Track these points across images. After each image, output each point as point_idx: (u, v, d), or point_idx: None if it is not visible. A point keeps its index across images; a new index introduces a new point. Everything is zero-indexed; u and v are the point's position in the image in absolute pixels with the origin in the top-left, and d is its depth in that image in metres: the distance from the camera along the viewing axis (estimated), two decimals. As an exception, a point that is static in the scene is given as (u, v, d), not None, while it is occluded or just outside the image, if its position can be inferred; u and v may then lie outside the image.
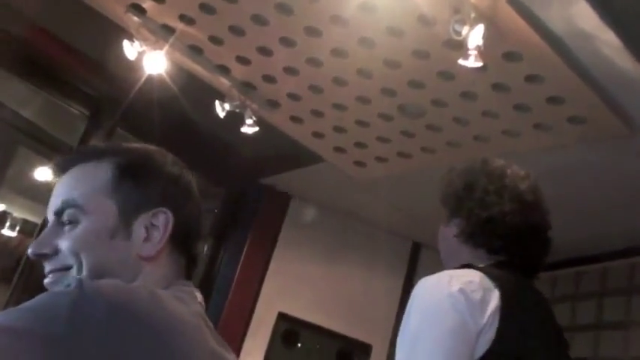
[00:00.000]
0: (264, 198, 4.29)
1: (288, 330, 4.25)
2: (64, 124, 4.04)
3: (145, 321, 0.88)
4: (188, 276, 1.14)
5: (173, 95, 3.21)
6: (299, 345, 4.31)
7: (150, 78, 3.05)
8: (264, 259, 4.23)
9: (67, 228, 1.07)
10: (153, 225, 1.08)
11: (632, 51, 2.30)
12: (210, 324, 1.05)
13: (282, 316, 4.20)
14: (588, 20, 2.24)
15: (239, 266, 4.17)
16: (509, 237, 1.68)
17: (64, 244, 1.06)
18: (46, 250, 1.06)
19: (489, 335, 1.49)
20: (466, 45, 2.24)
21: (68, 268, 1.05)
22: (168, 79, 3.05)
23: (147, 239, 1.07)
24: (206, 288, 4.18)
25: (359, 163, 3.56)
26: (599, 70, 2.46)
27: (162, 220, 1.08)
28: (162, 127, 3.54)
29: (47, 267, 1.07)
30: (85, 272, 1.04)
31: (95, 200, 1.07)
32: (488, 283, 1.55)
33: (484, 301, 1.51)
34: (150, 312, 0.90)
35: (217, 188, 4.46)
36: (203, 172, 4.23)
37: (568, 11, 2.24)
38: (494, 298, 1.52)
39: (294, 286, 4.25)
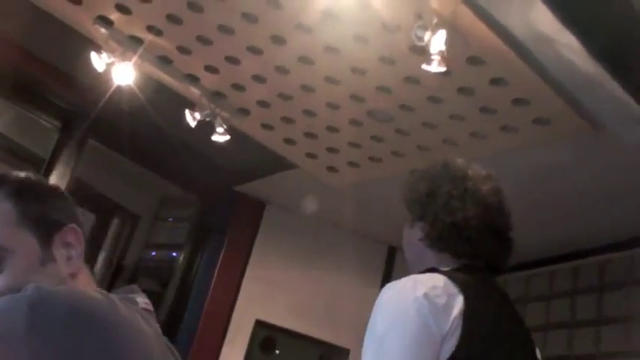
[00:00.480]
0: (239, 205, 4.30)
1: (266, 337, 4.26)
2: (35, 136, 4.03)
3: (102, 323, 0.91)
4: None
5: (143, 105, 3.22)
6: (277, 352, 4.32)
7: (119, 89, 3.06)
8: (240, 266, 4.23)
9: None
10: (68, 244, 1.08)
11: (591, 52, 2.35)
12: (159, 329, 1.06)
13: (259, 323, 4.21)
14: (548, 24, 2.28)
15: (215, 274, 4.17)
16: (474, 241, 1.69)
17: None
18: None
19: (453, 340, 1.50)
20: (429, 50, 2.28)
21: None
22: (137, 90, 3.06)
23: (69, 258, 1.07)
24: (182, 296, 4.19)
25: (331, 169, 3.59)
26: (560, 71, 2.50)
27: (73, 235, 1.08)
28: (134, 138, 3.55)
29: None
30: None
31: (12, 234, 1.04)
32: (452, 287, 1.57)
33: (448, 306, 1.52)
34: (106, 315, 0.92)
35: (191, 196, 4.46)
36: (177, 181, 4.25)
37: (528, 15, 2.29)
38: (458, 303, 1.54)
39: (270, 292, 4.26)
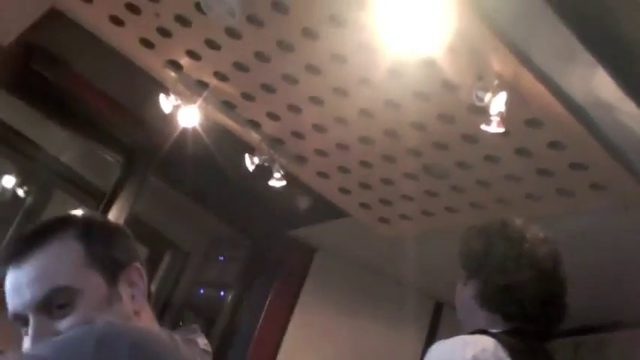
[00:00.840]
0: (290, 250, 4.34)
1: (308, 384, 4.25)
2: (99, 170, 4.18)
3: None
4: None
5: (205, 147, 3.31)
6: (319, 399, 4.29)
7: (184, 130, 3.16)
8: (286, 311, 4.25)
9: (58, 313, 1.04)
10: (132, 282, 1.11)
11: (652, 122, 2.34)
12: None
13: (302, 370, 4.21)
14: (609, 91, 2.29)
15: (261, 318, 4.20)
16: (526, 305, 1.68)
17: (64, 327, 1.03)
18: None
19: None
20: (489, 111, 2.31)
21: None
22: (201, 132, 3.16)
23: (133, 296, 1.10)
24: (228, 336, 4.22)
25: (383, 220, 3.61)
26: (620, 138, 2.50)
27: (137, 274, 1.12)
28: (194, 178, 3.65)
29: None
30: None
31: (81, 276, 1.06)
32: (501, 352, 1.56)
33: None
34: (168, 355, 0.96)
35: (244, 239, 4.53)
36: (231, 223, 4.33)
37: (589, 81, 2.30)
38: None
39: (316, 339, 4.26)
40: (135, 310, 1.10)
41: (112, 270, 1.10)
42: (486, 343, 1.57)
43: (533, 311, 1.68)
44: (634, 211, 2.86)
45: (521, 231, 1.78)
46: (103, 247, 1.11)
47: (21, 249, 1.07)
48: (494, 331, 1.64)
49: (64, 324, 1.03)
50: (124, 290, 1.10)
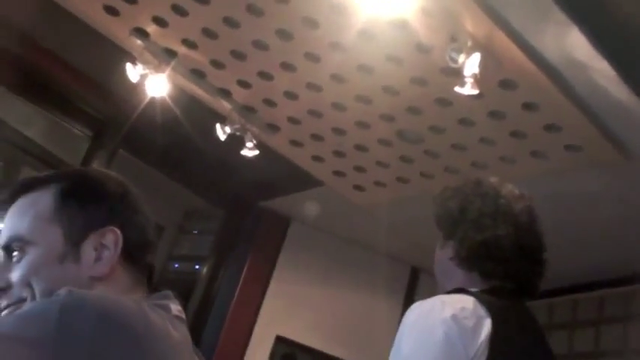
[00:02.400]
0: (264, 221, 4.31)
1: (286, 353, 4.24)
2: (66, 145, 4.08)
3: (131, 331, 0.91)
4: (149, 286, 1.15)
5: (175, 117, 3.25)
6: (297, 368, 4.30)
7: (152, 100, 3.09)
8: (263, 281, 4.23)
9: (15, 260, 1.07)
10: (102, 245, 1.07)
11: (625, 80, 2.34)
12: (189, 336, 1.07)
13: (280, 340, 4.20)
14: (582, 50, 2.28)
15: (238, 288, 4.18)
16: (504, 260, 1.66)
17: (14, 276, 1.05)
18: (0, 285, 1.06)
19: None
20: (462, 72, 2.28)
21: (23, 300, 1.05)
22: (170, 102, 3.09)
23: (98, 259, 1.07)
24: (204, 309, 4.19)
25: (358, 188, 3.59)
26: (593, 98, 2.49)
27: (112, 238, 1.08)
28: (164, 149, 3.59)
29: (3, 302, 1.06)
30: (38, 294, 1.04)
31: (39, 228, 1.07)
32: (481, 310, 1.54)
33: (476, 329, 1.50)
34: (136, 324, 0.93)
35: (217, 210, 4.48)
36: (203, 194, 4.27)
37: (563, 41, 2.28)
38: (486, 327, 1.51)
39: (292, 308, 4.25)
40: (95, 275, 1.06)
41: (79, 229, 1.07)
42: (465, 301, 1.55)
43: (512, 267, 1.67)
44: (607, 172, 2.87)
45: (496, 188, 1.77)
46: (77, 204, 1.09)
47: (11, 194, 1.12)
48: (473, 290, 1.62)
49: (15, 271, 1.06)
50: (87, 251, 1.06)
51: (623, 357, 3.50)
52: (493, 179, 1.80)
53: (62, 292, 0.92)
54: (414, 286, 4.44)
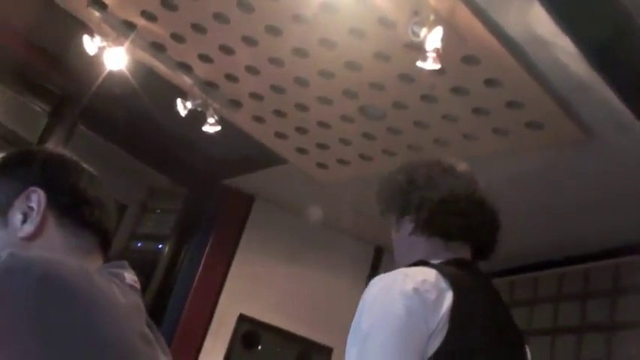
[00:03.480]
0: (227, 199, 4.27)
1: (249, 332, 4.23)
2: (24, 120, 3.99)
3: (74, 293, 0.90)
4: (105, 253, 1.15)
5: (135, 92, 3.19)
6: (259, 347, 4.30)
7: (111, 74, 3.03)
8: (225, 260, 4.21)
9: None
10: (29, 207, 1.09)
11: (587, 57, 2.34)
12: (141, 305, 1.05)
13: (243, 318, 4.18)
14: (545, 26, 2.28)
15: (200, 267, 4.15)
16: (464, 214, 1.67)
17: None
18: None
19: (441, 336, 1.47)
20: (424, 47, 2.27)
21: None
22: (129, 76, 3.03)
23: (24, 221, 1.09)
24: (167, 288, 4.15)
25: (321, 165, 3.57)
26: (555, 75, 2.50)
27: (35, 198, 1.09)
28: (124, 125, 3.52)
29: None
30: None
31: None
32: (442, 282, 1.53)
33: (438, 302, 1.49)
34: (80, 285, 0.92)
35: (180, 188, 4.43)
36: (165, 172, 4.22)
37: (525, 16, 2.28)
38: (448, 299, 1.50)
39: (255, 287, 4.24)
40: (24, 236, 1.07)
41: (6, 195, 1.11)
42: (427, 273, 1.54)
43: (472, 220, 1.68)
44: (569, 149, 2.89)
45: (433, 158, 1.81)
46: (3, 173, 1.13)
47: None
48: (435, 262, 1.62)
49: None
50: (15, 216, 1.09)
51: (581, 333, 3.56)
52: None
53: (3, 254, 0.91)
54: (378, 266, 4.45)
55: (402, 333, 1.45)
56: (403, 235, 1.75)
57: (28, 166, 1.14)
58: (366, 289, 1.57)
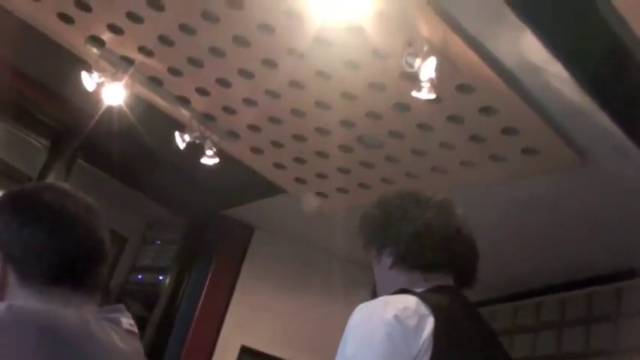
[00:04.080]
0: (226, 229, 4.28)
1: (252, 363, 4.21)
2: (24, 155, 4.01)
3: (73, 345, 0.89)
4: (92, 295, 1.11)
5: (133, 126, 3.21)
6: (262, 378, 4.27)
7: (109, 109, 3.06)
8: (226, 291, 4.20)
9: None
10: None
11: (580, 82, 2.36)
12: (141, 350, 1.05)
13: (245, 350, 4.16)
14: (537, 53, 2.30)
15: (201, 298, 4.14)
16: (440, 246, 1.70)
17: None
18: None
19: None
20: (419, 77, 2.29)
21: None
22: (127, 110, 3.05)
23: None
24: (168, 319, 4.14)
25: (320, 194, 3.58)
26: (549, 101, 2.52)
27: None
28: (123, 158, 3.54)
29: None
30: None
31: None
32: (423, 309, 1.56)
33: (419, 328, 1.52)
34: (79, 337, 0.91)
35: (179, 220, 4.44)
36: (165, 204, 4.23)
37: (517, 44, 2.30)
38: (429, 324, 1.53)
39: (257, 318, 4.22)
40: None
41: None
42: (408, 301, 1.57)
43: (448, 250, 1.70)
44: (565, 174, 2.90)
45: (410, 190, 1.84)
46: None
47: None
48: (417, 290, 1.65)
49: None
50: None
51: (585, 358, 3.54)
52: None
53: (2, 307, 0.90)
54: (379, 293, 4.43)
55: (385, 359, 1.48)
56: (383, 268, 1.78)
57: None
58: (351, 316, 1.60)
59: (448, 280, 1.71)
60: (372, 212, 1.83)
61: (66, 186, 1.18)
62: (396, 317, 1.50)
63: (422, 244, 1.70)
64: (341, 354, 1.54)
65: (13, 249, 1.06)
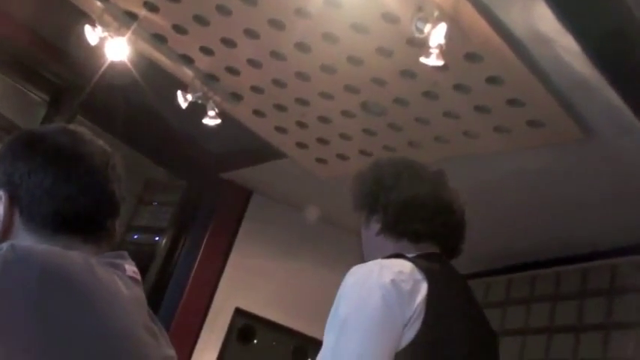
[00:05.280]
0: (225, 192, 4.27)
1: (245, 326, 4.23)
2: (23, 110, 3.97)
3: (76, 286, 0.89)
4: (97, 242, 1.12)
5: (135, 83, 3.17)
6: (255, 341, 4.30)
7: (112, 65, 3.02)
8: (222, 253, 4.21)
9: None
10: None
11: (590, 56, 2.34)
12: (143, 297, 1.04)
13: (239, 312, 4.18)
14: (548, 24, 2.27)
15: (197, 260, 4.15)
16: (427, 218, 1.74)
17: None
18: None
19: (416, 325, 1.54)
20: (428, 43, 2.26)
21: None
22: (130, 67, 3.02)
23: None
24: (163, 280, 4.15)
25: (320, 160, 3.56)
26: (558, 74, 2.49)
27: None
28: (124, 116, 3.51)
29: None
30: None
31: None
32: (417, 274, 1.60)
33: (413, 292, 1.55)
34: (83, 278, 0.90)
35: (178, 181, 4.42)
36: (164, 164, 4.21)
37: (529, 14, 2.27)
38: (423, 289, 1.57)
39: (252, 281, 4.23)
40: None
41: None
42: (403, 265, 1.61)
43: (435, 223, 1.74)
44: (568, 149, 2.88)
45: (405, 158, 1.90)
46: None
47: None
48: (409, 255, 1.67)
49: None
50: None
51: (577, 332, 3.56)
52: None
53: (4, 245, 0.90)
54: (375, 261, 4.44)
55: (379, 322, 1.52)
56: (371, 234, 1.82)
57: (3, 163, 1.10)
58: (345, 277, 1.63)
59: (435, 249, 1.74)
60: (364, 177, 1.87)
61: (85, 131, 1.16)
62: (392, 281, 1.54)
63: (410, 215, 1.73)
64: (334, 315, 1.57)
65: (20, 191, 1.05)
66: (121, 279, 0.99)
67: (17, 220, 1.05)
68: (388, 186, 1.77)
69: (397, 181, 1.77)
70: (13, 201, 1.05)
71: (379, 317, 1.51)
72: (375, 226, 1.79)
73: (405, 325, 1.52)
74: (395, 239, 1.75)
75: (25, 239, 1.03)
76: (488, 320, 1.76)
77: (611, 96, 2.51)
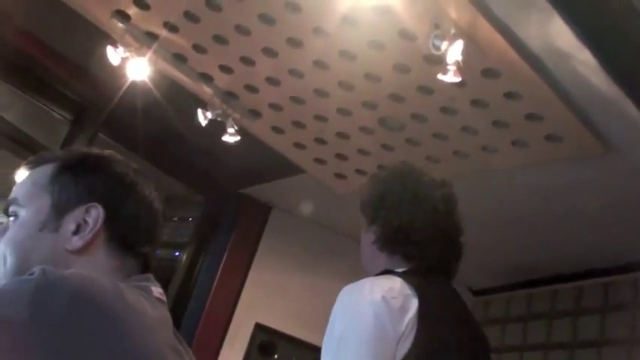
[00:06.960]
0: (244, 208, 4.29)
1: (265, 341, 4.24)
2: (46, 128, 4.04)
3: (106, 312, 0.90)
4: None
5: (156, 102, 3.22)
6: (276, 356, 4.30)
7: (133, 84, 3.06)
8: (243, 268, 4.22)
9: (10, 223, 1.12)
10: (85, 220, 1.10)
11: (607, 70, 2.34)
12: (170, 320, 1.06)
13: (259, 327, 4.19)
14: (565, 39, 2.28)
15: (217, 275, 4.16)
16: (421, 243, 1.77)
17: (6, 237, 1.10)
18: None
19: (409, 340, 1.56)
20: (445, 60, 2.28)
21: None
22: (151, 86, 3.06)
23: (76, 233, 1.09)
24: (183, 296, 4.18)
25: (339, 176, 3.58)
26: (575, 88, 2.50)
27: (94, 214, 1.10)
28: (145, 134, 3.56)
29: None
30: (9, 263, 1.07)
31: (32, 193, 1.11)
32: (407, 289, 1.64)
33: (404, 309, 1.59)
34: (112, 303, 0.92)
35: (197, 196, 4.46)
36: (184, 180, 4.25)
37: (545, 30, 2.28)
38: (413, 305, 1.60)
39: (272, 296, 4.24)
40: (70, 248, 1.08)
41: (66, 200, 1.10)
42: (393, 282, 1.65)
43: (429, 249, 1.77)
44: (587, 163, 2.88)
45: (417, 175, 1.89)
46: (72, 177, 1.12)
47: (25, 167, 1.18)
48: (399, 270, 1.71)
49: (6, 234, 1.10)
50: (69, 223, 1.09)
51: (600, 346, 3.53)
52: (417, 167, 1.93)
53: (36, 270, 0.91)
54: (395, 276, 4.44)
55: (372, 337, 1.57)
56: (368, 240, 1.87)
57: (100, 178, 1.14)
58: (338, 296, 1.66)
59: (427, 263, 1.77)
60: (370, 188, 1.91)
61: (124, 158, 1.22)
62: (383, 298, 1.58)
63: (404, 239, 1.77)
64: (330, 332, 1.61)
65: (115, 210, 1.11)
66: (147, 300, 1.01)
67: (101, 238, 1.10)
68: (389, 207, 1.80)
69: (399, 204, 1.79)
70: (106, 217, 1.11)
71: (372, 334, 1.55)
72: (371, 236, 1.84)
73: (398, 341, 1.56)
74: (388, 253, 1.79)
75: (99, 257, 1.09)
76: (483, 334, 1.78)
77: (630, 110, 2.51)
